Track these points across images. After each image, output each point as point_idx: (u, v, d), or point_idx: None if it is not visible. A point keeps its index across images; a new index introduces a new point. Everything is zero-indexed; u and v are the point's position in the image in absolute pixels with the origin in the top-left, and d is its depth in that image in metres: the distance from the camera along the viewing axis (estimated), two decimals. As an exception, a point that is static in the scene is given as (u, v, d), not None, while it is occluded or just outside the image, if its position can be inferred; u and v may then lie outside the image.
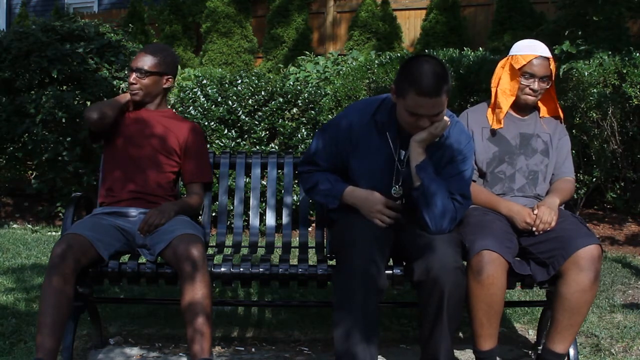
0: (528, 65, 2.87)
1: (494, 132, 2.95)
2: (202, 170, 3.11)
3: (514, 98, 2.92)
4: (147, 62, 3.04)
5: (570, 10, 6.51)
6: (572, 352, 2.76)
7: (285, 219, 3.29)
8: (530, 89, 2.90)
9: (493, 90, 2.98)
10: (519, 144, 2.94)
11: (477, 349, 2.66)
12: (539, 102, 2.99)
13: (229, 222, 5.28)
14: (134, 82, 3.05)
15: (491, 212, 2.83)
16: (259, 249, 3.22)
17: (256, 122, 5.93)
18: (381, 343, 3.20)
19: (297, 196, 5.49)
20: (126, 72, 3.18)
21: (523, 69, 2.88)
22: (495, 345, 2.65)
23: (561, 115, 3.03)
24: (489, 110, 2.99)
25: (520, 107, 2.97)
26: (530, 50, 2.90)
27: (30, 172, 6.65)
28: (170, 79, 3.12)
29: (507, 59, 2.96)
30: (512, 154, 2.93)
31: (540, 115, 3.01)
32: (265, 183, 5.19)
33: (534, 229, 2.73)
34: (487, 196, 2.88)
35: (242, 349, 3.10)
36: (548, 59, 2.90)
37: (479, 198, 2.88)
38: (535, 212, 2.76)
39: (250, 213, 3.32)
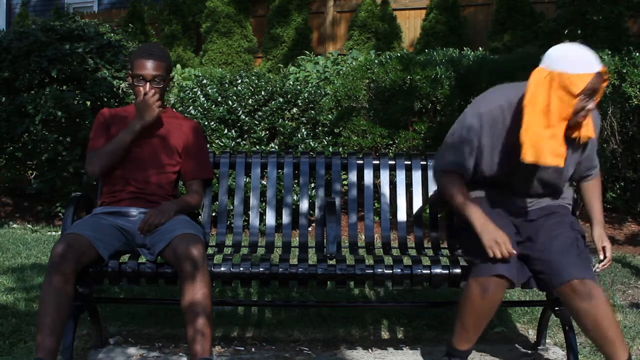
0: (589, 85, 2.41)
1: (515, 155, 2.53)
2: (202, 167, 3.11)
3: (566, 124, 2.46)
4: (159, 67, 2.94)
5: (570, 9, 6.52)
6: (572, 352, 2.76)
7: (285, 219, 3.29)
8: (587, 109, 2.47)
9: (532, 108, 2.45)
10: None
11: (453, 347, 2.71)
12: None
13: (229, 221, 5.28)
14: (153, 92, 2.92)
15: (493, 215, 2.66)
16: (259, 248, 3.22)
17: (256, 122, 5.93)
18: (381, 343, 3.21)
19: (297, 196, 5.49)
20: (129, 79, 3.05)
21: (583, 91, 2.41)
22: (471, 348, 2.71)
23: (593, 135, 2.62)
24: (523, 131, 2.48)
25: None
26: (586, 67, 2.42)
27: (30, 172, 6.65)
28: (171, 77, 3.11)
29: (550, 75, 2.44)
30: (525, 175, 2.65)
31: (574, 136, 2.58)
32: (265, 183, 5.19)
33: None
34: (461, 201, 2.63)
35: (242, 348, 3.10)
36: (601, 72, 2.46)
37: (450, 194, 2.67)
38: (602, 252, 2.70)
39: (250, 213, 3.32)
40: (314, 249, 3.20)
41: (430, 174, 3.29)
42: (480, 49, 7.69)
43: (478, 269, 2.56)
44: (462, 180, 2.72)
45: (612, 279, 4.24)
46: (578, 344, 2.97)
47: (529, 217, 2.74)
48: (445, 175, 2.74)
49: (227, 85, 6.08)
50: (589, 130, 2.57)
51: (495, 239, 2.52)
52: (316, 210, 3.33)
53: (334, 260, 2.80)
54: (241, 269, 2.77)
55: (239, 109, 5.91)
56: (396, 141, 5.81)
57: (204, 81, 6.19)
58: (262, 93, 5.97)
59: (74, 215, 2.88)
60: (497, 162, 2.66)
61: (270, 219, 3.27)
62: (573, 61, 2.42)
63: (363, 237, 3.49)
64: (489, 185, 2.78)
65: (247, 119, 5.90)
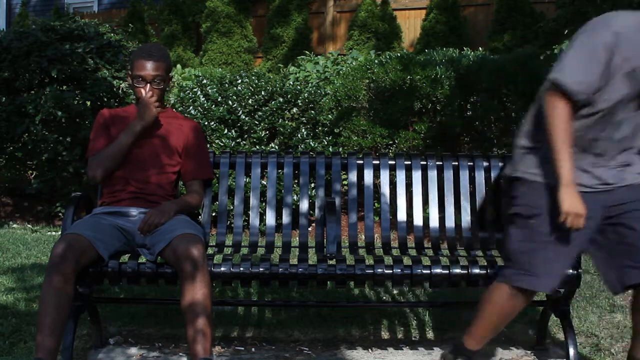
0: None
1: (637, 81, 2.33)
2: (203, 167, 3.10)
3: None
4: (159, 68, 2.93)
5: (570, 9, 6.52)
6: (572, 352, 2.76)
7: (285, 219, 3.29)
8: None
9: None
10: None
11: (464, 346, 2.69)
12: None
13: (229, 221, 5.28)
14: (151, 93, 2.93)
15: (548, 216, 2.45)
16: (259, 248, 3.22)
17: (256, 122, 5.93)
18: (381, 343, 3.21)
19: (297, 196, 5.49)
20: (129, 79, 3.05)
21: None
22: (480, 349, 2.71)
23: None
24: None
25: None
26: None
27: (30, 172, 6.65)
28: (171, 77, 3.11)
29: None
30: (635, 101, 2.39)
31: None
32: (265, 183, 5.19)
33: None
34: (562, 142, 2.35)
35: (242, 348, 3.10)
36: None
37: (553, 128, 2.36)
38: None
39: (251, 213, 3.32)
40: (314, 249, 3.20)
41: (430, 173, 3.28)
42: (480, 49, 7.69)
43: (520, 279, 2.46)
44: (570, 115, 2.38)
45: (612, 279, 4.24)
46: (578, 344, 2.97)
47: (617, 200, 2.47)
48: (556, 98, 2.38)
49: (227, 85, 6.09)
50: None
51: (577, 210, 2.35)
52: (316, 210, 3.33)
53: (334, 260, 2.80)
54: (241, 269, 2.77)
55: (239, 109, 5.91)
56: (396, 141, 5.81)
57: (204, 81, 6.19)
58: (262, 93, 5.97)
59: (74, 215, 2.88)
60: (618, 88, 2.37)
61: (270, 219, 3.27)
62: None
63: (363, 237, 3.49)
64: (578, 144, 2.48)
65: (247, 119, 5.91)
